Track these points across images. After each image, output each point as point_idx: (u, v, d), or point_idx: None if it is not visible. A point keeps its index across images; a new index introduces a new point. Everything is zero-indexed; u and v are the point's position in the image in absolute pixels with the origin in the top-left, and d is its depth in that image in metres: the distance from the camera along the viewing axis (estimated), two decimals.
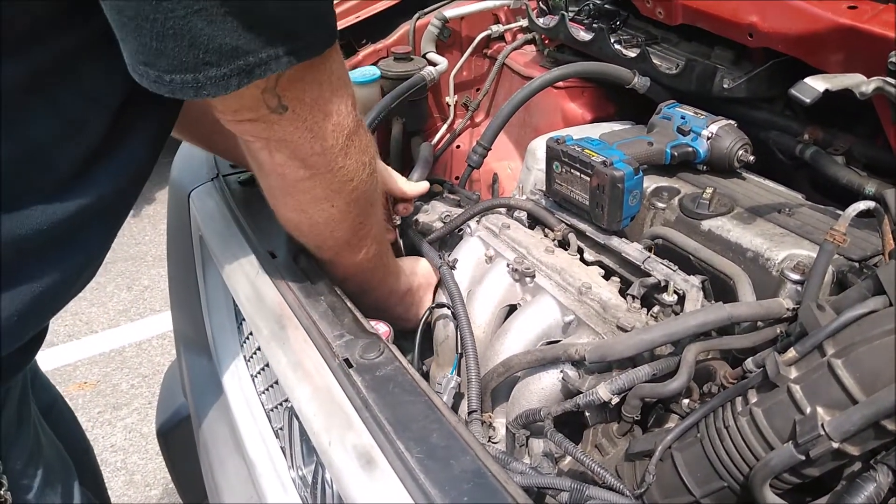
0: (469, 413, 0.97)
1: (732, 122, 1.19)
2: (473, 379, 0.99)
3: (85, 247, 0.81)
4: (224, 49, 0.64)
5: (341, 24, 1.71)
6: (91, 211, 0.77)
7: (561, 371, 0.95)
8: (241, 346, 1.31)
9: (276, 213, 0.92)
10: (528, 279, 1.09)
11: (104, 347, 3.06)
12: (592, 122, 1.52)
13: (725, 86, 1.24)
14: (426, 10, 1.76)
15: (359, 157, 0.84)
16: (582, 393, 0.90)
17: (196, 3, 0.61)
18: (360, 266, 1.01)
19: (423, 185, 1.27)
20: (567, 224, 1.17)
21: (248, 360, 1.28)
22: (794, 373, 0.72)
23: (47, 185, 0.72)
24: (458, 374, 1.08)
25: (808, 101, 0.83)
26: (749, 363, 0.83)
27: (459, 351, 1.09)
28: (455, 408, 1.09)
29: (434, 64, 1.64)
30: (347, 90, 0.80)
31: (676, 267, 1.01)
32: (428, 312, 1.16)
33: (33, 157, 0.70)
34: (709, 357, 0.92)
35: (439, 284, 1.20)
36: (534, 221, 1.23)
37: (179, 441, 1.49)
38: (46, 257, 0.76)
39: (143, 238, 3.83)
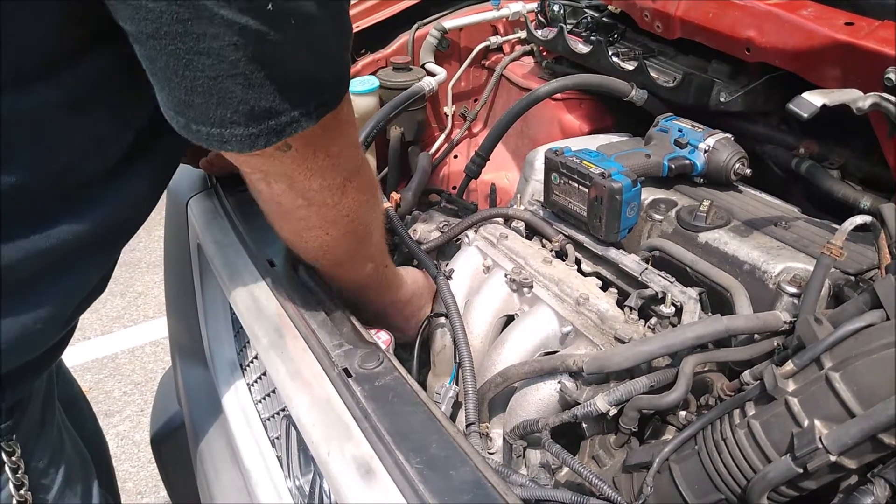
0: (467, 426, 0.97)
1: (729, 135, 1.20)
2: (470, 391, 0.99)
3: (106, 258, 0.83)
4: (255, 112, 0.65)
5: None
6: (112, 222, 0.78)
7: (558, 382, 0.96)
8: (238, 354, 1.30)
9: (274, 231, 0.94)
10: (525, 289, 1.10)
11: (97, 354, 3.05)
12: (590, 133, 1.53)
13: (722, 99, 1.26)
14: (425, 20, 1.77)
15: (356, 196, 0.86)
16: (579, 404, 0.90)
17: (233, 68, 0.62)
18: (357, 281, 1.03)
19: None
20: (565, 235, 1.17)
21: (245, 369, 1.27)
22: (791, 386, 0.73)
23: (74, 197, 0.74)
24: (457, 384, 1.08)
25: (805, 115, 0.84)
26: (746, 375, 0.83)
27: (457, 360, 1.09)
28: (453, 418, 1.09)
29: (433, 74, 1.65)
30: (352, 133, 0.82)
31: (674, 279, 1.02)
32: (426, 322, 1.16)
33: (63, 172, 0.72)
34: (706, 369, 0.93)
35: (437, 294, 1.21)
36: (531, 232, 1.24)
37: (174, 449, 1.48)
38: (71, 268, 0.77)
39: (136, 244, 3.82)
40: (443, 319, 1.15)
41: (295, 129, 0.69)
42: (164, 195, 1.37)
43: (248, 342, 1.22)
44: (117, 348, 3.10)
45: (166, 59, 0.61)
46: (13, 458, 0.82)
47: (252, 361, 1.23)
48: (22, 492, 0.83)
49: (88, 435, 1.07)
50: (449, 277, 1.18)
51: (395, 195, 1.38)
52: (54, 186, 0.71)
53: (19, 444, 0.82)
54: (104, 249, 0.82)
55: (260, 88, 0.64)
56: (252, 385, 1.24)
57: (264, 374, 1.15)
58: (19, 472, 0.83)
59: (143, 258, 3.72)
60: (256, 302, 0.98)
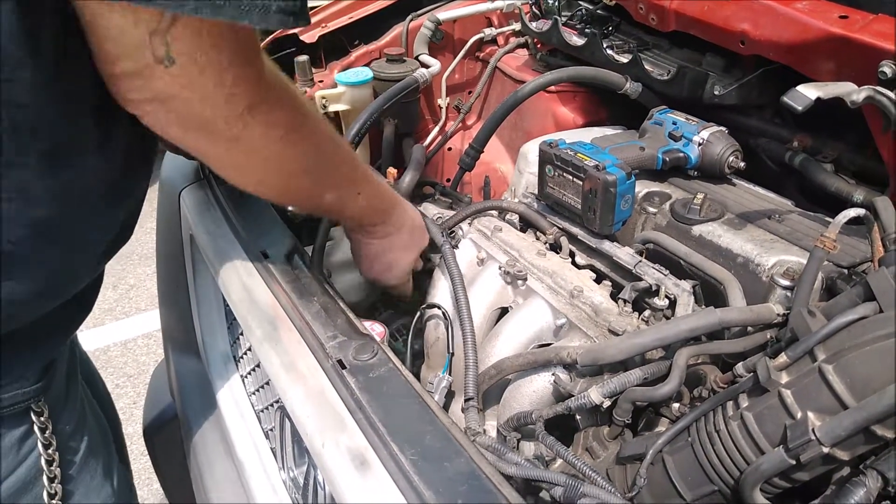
0: (465, 400, 0.96)
1: (723, 128, 1.20)
2: (471, 366, 0.98)
3: (132, 192, 0.84)
4: None
5: (335, 25, 1.71)
6: (127, 153, 0.78)
7: (552, 374, 0.96)
8: (231, 346, 1.30)
9: None
10: (519, 282, 1.10)
11: (89, 346, 2.99)
12: (584, 126, 1.53)
13: (716, 92, 1.26)
14: (419, 12, 1.76)
15: (265, 131, 0.79)
16: (573, 396, 0.90)
17: None
18: (321, 209, 1.02)
19: None
20: (559, 227, 1.17)
21: (239, 361, 1.27)
22: (784, 378, 0.73)
23: (93, 133, 0.72)
24: (450, 374, 1.08)
25: (800, 108, 0.84)
26: (739, 368, 0.84)
27: (451, 351, 1.09)
28: (446, 408, 1.09)
29: (426, 66, 1.64)
30: (256, 66, 0.75)
31: (668, 271, 1.02)
32: (418, 314, 1.16)
33: (75, 103, 0.70)
34: (699, 361, 0.93)
35: (431, 270, 1.21)
36: (526, 224, 1.24)
37: (166, 442, 1.48)
38: (96, 210, 0.77)
39: None
40: (436, 311, 1.15)
41: (240, 16, 0.61)
42: (154, 185, 1.37)
43: (242, 334, 1.22)
44: (109, 341, 3.09)
45: None
46: (42, 419, 0.83)
47: (246, 353, 1.22)
48: (50, 451, 0.85)
49: (105, 411, 1.10)
50: (456, 247, 1.17)
51: (391, 170, 1.38)
52: (69, 118, 0.70)
53: (47, 405, 0.84)
54: (124, 188, 0.82)
55: None
56: (246, 377, 1.24)
57: (258, 365, 1.15)
58: (47, 432, 0.84)
59: (134, 250, 3.70)
60: (250, 293, 0.98)
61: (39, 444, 0.84)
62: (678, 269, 1.04)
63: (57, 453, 0.85)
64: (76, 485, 0.90)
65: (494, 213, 1.27)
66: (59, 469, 0.86)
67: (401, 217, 1.11)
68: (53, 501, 0.86)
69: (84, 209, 0.76)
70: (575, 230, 1.15)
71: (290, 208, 1.25)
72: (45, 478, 0.85)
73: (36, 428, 0.83)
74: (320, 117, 0.92)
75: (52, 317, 0.80)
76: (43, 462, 0.84)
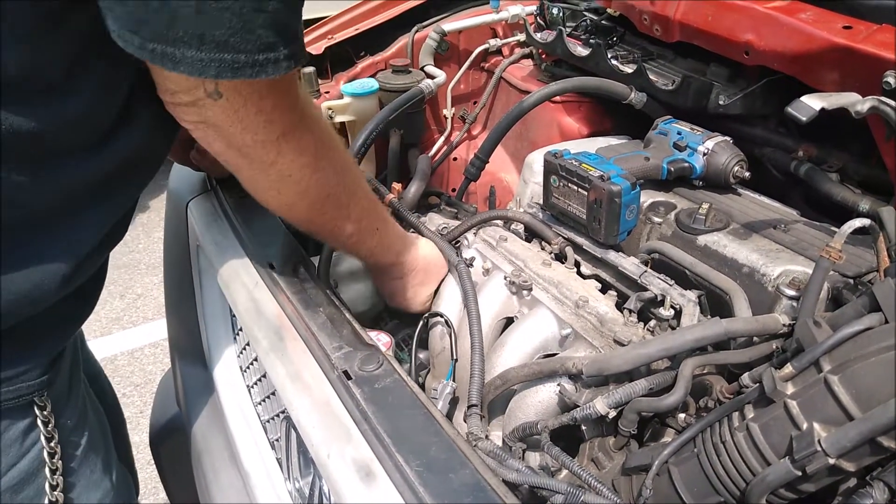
0: (469, 407, 0.96)
1: (728, 138, 1.21)
2: (476, 374, 0.98)
3: (121, 197, 0.87)
4: (206, 38, 0.66)
5: (341, 36, 1.72)
6: (126, 163, 0.81)
7: (558, 384, 0.96)
8: (238, 356, 1.30)
9: None
10: (525, 292, 1.10)
11: (96, 355, 3.03)
12: (589, 136, 1.53)
13: (721, 102, 1.26)
14: (425, 23, 1.77)
15: (295, 157, 0.85)
16: (579, 406, 0.90)
17: None
18: (340, 241, 1.04)
19: None
20: (564, 237, 1.17)
21: (245, 371, 1.28)
22: (790, 388, 0.73)
23: (88, 142, 0.77)
24: (454, 381, 1.08)
25: (804, 119, 0.84)
26: (745, 378, 0.83)
27: (455, 357, 1.09)
28: (450, 416, 1.09)
29: (432, 77, 1.65)
30: (291, 91, 0.82)
31: (673, 281, 1.02)
32: (422, 323, 1.16)
33: (77, 121, 0.74)
34: (705, 372, 0.93)
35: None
36: (531, 234, 1.24)
37: (173, 451, 1.48)
38: (93, 205, 0.81)
39: (136, 246, 3.82)
40: (439, 319, 1.15)
41: (256, 73, 0.69)
42: (161, 196, 1.38)
43: (248, 344, 1.22)
44: (116, 350, 3.10)
45: None
46: (45, 413, 0.85)
47: (252, 363, 1.23)
48: (52, 444, 0.86)
49: (109, 409, 1.12)
50: (469, 265, 1.18)
51: (396, 185, 1.38)
52: (70, 132, 0.74)
53: (50, 400, 0.85)
54: (124, 182, 0.85)
55: (214, 19, 0.65)
56: (252, 387, 1.24)
57: (264, 376, 1.16)
58: (50, 425, 0.86)
59: (142, 260, 3.72)
60: (256, 304, 0.98)
61: (42, 437, 0.85)
62: (683, 279, 1.04)
63: (59, 447, 0.87)
64: (77, 478, 0.92)
65: (500, 223, 1.27)
66: (60, 462, 0.88)
67: (414, 259, 1.15)
68: (55, 493, 0.88)
69: (84, 203, 0.79)
70: (580, 240, 1.15)
71: None
72: (47, 469, 0.87)
73: (39, 421, 0.85)
74: (344, 149, 0.98)
75: (54, 311, 0.82)
76: (45, 455, 0.86)
